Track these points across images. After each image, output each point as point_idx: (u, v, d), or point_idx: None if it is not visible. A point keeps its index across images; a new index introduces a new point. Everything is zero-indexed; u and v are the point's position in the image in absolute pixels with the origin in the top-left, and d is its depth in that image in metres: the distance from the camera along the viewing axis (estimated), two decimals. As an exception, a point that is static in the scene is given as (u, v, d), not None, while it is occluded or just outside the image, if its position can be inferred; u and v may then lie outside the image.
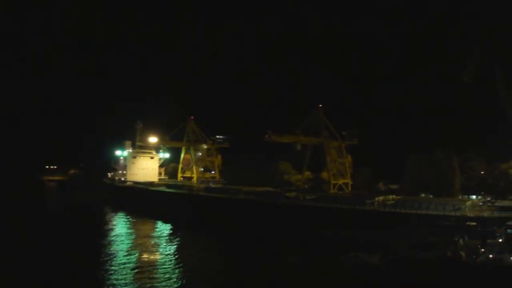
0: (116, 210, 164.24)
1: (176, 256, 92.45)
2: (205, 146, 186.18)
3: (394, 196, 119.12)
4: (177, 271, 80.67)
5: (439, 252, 78.68)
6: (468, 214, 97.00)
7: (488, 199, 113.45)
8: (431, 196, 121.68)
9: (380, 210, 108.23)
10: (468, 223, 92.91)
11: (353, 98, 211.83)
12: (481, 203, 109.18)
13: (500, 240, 76.84)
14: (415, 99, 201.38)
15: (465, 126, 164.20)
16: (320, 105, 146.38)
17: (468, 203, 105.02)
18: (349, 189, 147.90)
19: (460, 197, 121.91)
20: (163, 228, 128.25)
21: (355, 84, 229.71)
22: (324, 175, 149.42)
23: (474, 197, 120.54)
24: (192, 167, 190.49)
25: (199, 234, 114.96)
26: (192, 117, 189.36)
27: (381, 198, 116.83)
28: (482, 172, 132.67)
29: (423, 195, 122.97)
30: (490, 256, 73.69)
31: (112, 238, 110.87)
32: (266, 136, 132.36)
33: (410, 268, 75.20)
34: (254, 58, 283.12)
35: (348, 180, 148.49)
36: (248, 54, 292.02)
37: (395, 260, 78.36)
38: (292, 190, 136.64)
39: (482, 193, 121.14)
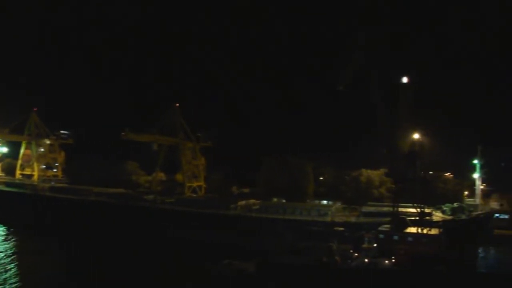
0: None
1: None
2: (48, 142, 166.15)
3: (254, 201, 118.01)
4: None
5: (314, 257, 78.63)
6: (335, 220, 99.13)
7: (338, 204, 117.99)
8: (284, 200, 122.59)
9: (246, 215, 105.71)
10: (336, 228, 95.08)
11: (213, 99, 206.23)
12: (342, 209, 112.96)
13: (375, 245, 78.50)
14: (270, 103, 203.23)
15: (318, 132, 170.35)
16: (177, 104, 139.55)
17: (333, 208, 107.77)
18: (203, 191, 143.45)
19: (314, 202, 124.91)
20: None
21: (217, 85, 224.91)
22: (179, 177, 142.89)
23: (325, 202, 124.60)
24: (32, 164, 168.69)
25: (41, 238, 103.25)
26: (35, 109, 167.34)
27: (243, 202, 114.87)
28: (333, 179, 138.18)
29: (275, 199, 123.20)
30: (366, 260, 75.30)
31: None
32: (123, 134, 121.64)
33: (286, 275, 73.44)
34: (113, 50, 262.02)
35: (202, 183, 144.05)
36: (103, 45, 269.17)
37: (271, 267, 76.25)
38: (150, 193, 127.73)
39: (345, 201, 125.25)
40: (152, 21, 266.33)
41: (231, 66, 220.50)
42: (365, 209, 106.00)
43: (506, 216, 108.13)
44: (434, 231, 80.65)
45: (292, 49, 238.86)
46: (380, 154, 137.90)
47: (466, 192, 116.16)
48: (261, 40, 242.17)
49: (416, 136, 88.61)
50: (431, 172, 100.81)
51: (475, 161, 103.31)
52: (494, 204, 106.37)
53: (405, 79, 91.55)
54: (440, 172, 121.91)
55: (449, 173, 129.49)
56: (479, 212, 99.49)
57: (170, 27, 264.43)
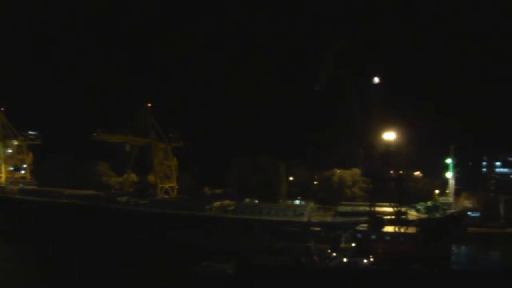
0: None
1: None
2: (15, 143, 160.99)
3: (229, 202, 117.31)
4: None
5: (293, 257, 78.64)
6: (312, 220, 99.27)
7: (311, 204, 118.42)
8: (256, 201, 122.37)
9: (223, 216, 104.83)
10: (312, 228, 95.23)
11: (184, 99, 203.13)
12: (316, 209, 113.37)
13: (354, 245, 78.91)
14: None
15: (290, 133, 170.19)
16: (149, 104, 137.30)
17: (308, 208, 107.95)
18: (175, 193, 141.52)
19: (287, 202, 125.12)
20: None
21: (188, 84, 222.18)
22: (151, 178, 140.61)
23: (297, 202, 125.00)
24: (0, 165, 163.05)
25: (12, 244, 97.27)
26: (2, 109, 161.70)
27: (218, 203, 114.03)
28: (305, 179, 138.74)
29: (247, 200, 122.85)
30: (345, 260, 75.64)
31: None
32: (95, 134, 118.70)
33: (266, 275, 73.23)
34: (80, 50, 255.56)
35: (174, 184, 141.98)
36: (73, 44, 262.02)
37: (250, 267, 75.91)
38: (122, 194, 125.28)
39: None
40: (128, 18, 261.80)
41: (202, 65, 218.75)
42: (341, 208, 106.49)
43: (477, 214, 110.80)
44: (411, 230, 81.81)
45: (267, 49, 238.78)
46: (354, 154, 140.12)
47: (437, 191, 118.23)
48: (235, 40, 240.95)
49: (389, 135, 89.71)
50: (401, 172, 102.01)
51: (448, 160, 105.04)
52: (467, 203, 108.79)
53: (376, 80, 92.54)
54: (410, 171, 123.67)
55: (418, 172, 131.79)
56: (453, 211, 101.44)
57: (145, 26, 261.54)
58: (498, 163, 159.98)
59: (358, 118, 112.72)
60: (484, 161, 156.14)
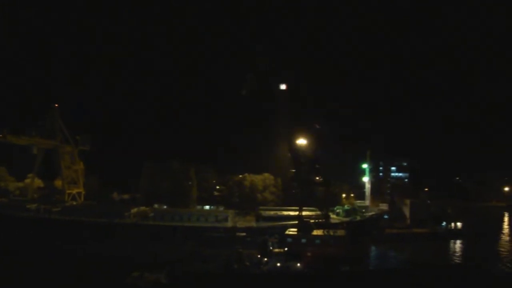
0: None
1: None
2: None
3: (144, 208, 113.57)
4: None
5: (224, 264, 77.97)
6: (237, 225, 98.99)
7: (222, 208, 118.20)
8: (165, 206, 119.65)
9: (144, 223, 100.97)
10: (238, 233, 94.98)
11: (91, 101, 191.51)
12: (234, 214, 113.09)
13: (286, 249, 79.95)
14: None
15: (200, 138, 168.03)
16: (56, 105, 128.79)
17: (230, 213, 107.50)
18: (82, 199, 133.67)
19: (197, 207, 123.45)
20: None
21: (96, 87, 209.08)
22: (58, 183, 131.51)
23: (207, 207, 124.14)
24: None
25: None
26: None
27: (135, 210, 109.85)
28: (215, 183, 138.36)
29: (156, 205, 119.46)
30: (278, 264, 76.40)
31: None
32: (0, 136, 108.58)
33: (199, 283, 72.09)
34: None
35: (81, 189, 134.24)
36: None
37: (182, 276, 74.16)
38: (30, 201, 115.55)
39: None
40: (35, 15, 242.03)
41: (114, 67, 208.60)
42: (264, 213, 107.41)
43: (387, 216, 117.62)
44: (340, 233, 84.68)
45: (187, 54, 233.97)
46: (264, 159, 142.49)
47: (352, 195, 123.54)
48: (147, 42, 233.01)
49: (302, 141, 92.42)
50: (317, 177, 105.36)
51: (365, 166, 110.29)
52: (383, 205, 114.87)
53: (283, 86, 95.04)
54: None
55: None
56: (372, 213, 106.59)
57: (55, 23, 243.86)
58: (393, 168, 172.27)
59: (278, 123, 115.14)
60: (380, 166, 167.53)
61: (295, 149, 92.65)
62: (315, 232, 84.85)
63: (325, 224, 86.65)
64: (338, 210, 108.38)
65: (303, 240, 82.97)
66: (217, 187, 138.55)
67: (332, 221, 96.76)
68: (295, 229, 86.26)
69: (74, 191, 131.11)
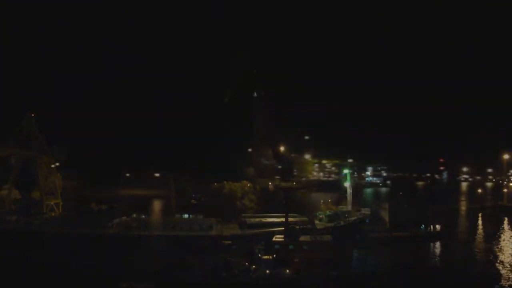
0: None
1: None
2: None
3: (126, 217, 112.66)
4: None
5: (212, 272, 78.06)
6: (222, 233, 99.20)
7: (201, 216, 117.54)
8: (143, 216, 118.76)
9: (129, 234, 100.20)
10: (224, 241, 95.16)
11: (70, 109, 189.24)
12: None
13: (275, 256, 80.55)
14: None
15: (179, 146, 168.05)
16: (32, 114, 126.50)
17: (213, 220, 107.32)
18: (60, 210, 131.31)
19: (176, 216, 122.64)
20: None
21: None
22: (36, 194, 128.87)
23: (186, 215, 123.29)
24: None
25: None
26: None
27: (117, 220, 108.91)
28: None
29: (134, 215, 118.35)
30: (267, 271, 76.92)
31: None
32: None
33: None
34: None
35: (59, 200, 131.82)
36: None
37: (171, 285, 74.23)
38: (10, 213, 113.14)
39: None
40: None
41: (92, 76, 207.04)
42: (249, 220, 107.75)
43: (367, 220, 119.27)
44: (326, 238, 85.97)
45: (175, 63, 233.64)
46: (243, 167, 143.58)
47: (329, 200, 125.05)
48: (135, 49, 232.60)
49: (281, 148, 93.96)
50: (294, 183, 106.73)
51: (346, 171, 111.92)
52: (365, 210, 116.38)
53: (255, 94, 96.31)
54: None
55: None
56: (355, 218, 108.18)
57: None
58: (368, 173, 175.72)
59: (260, 131, 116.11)
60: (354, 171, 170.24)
61: (278, 155, 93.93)
62: (302, 238, 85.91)
63: (310, 229, 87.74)
64: (320, 216, 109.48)
65: (291, 246, 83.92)
66: (194, 195, 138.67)
67: (318, 226, 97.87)
68: (282, 236, 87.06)
69: (52, 202, 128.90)
